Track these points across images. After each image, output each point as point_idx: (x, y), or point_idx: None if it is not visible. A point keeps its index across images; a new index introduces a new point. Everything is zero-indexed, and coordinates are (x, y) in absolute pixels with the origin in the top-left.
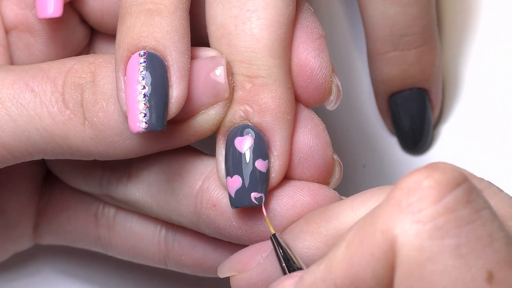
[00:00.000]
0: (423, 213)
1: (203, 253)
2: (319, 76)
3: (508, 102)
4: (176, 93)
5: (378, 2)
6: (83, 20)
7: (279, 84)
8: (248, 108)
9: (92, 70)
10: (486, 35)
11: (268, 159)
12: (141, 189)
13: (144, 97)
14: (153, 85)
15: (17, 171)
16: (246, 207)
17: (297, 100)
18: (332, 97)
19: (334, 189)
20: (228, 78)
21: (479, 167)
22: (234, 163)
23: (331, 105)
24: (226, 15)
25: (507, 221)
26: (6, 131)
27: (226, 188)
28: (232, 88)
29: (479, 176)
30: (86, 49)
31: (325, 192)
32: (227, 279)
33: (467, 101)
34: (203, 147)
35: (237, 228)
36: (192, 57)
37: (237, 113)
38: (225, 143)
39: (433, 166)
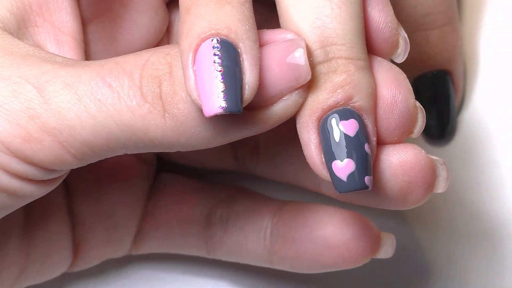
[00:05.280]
0: None
1: (302, 245)
2: (385, 30)
3: None
4: (250, 79)
5: None
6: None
7: (368, 67)
8: (349, 90)
9: (169, 61)
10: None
11: (369, 142)
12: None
13: (222, 79)
14: (228, 68)
15: (129, 171)
16: (359, 190)
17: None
18: (399, 50)
19: None
20: (309, 59)
21: (501, 154)
22: (343, 147)
23: (399, 58)
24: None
25: None
26: (86, 128)
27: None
28: (312, 71)
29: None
30: (166, 34)
31: (417, 152)
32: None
33: (486, 87)
34: None
35: None
36: (269, 41)
37: (336, 96)
38: (319, 127)
39: None
